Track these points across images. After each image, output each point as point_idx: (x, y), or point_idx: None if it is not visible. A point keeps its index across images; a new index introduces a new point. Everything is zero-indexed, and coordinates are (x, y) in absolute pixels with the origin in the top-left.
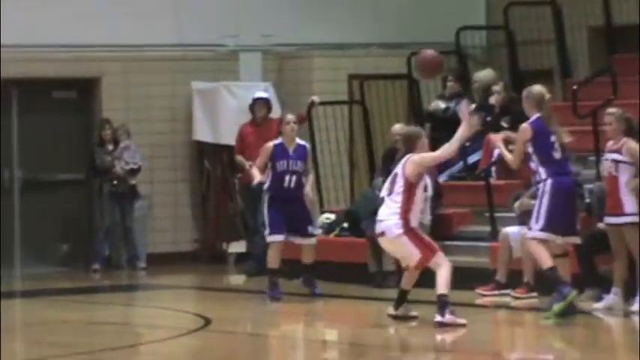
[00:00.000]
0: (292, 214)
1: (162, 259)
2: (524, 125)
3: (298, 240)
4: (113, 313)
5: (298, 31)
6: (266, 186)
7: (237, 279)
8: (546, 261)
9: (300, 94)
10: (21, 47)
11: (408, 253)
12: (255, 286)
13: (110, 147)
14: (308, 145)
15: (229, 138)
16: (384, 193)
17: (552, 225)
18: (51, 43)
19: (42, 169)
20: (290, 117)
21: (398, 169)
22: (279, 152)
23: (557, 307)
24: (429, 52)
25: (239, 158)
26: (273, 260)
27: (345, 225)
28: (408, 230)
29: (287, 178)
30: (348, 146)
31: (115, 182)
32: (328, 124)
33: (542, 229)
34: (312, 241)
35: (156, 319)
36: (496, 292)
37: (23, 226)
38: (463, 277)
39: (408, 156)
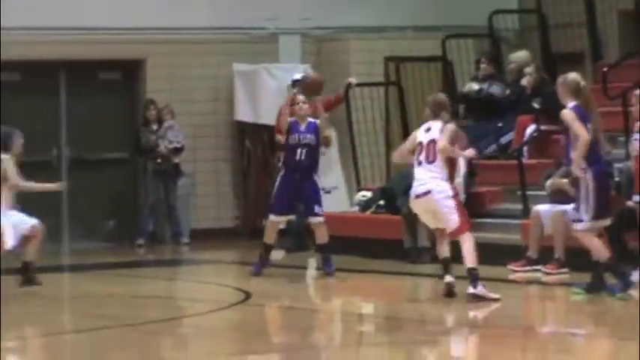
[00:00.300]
0: (301, 193)
1: (205, 234)
2: (566, 110)
3: (308, 219)
4: (157, 286)
5: (336, 15)
6: (281, 162)
7: (276, 254)
8: (604, 252)
9: (338, 75)
10: (68, 30)
11: (448, 217)
12: (294, 261)
13: (154, 127)
14: (318, 121)
15: (269, 118)
16: (420, 157)
17: (599, 213)
18: (97, 26)
19: (88, 148)
20: (300, 97)
21: (432, 135)
22: (292, 128)
23: (619, 295)
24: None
25: (278, 137)
26: (268, 236)
27: (381, 202)
28: (455, 195)
29: (298, 151)
30: (384, 126)
31: (159, 161)
32: (365, 104)
33: (592, 219)
34: (318, 220)
35: (198, 293)
36: (527, 268)
37: (71, 203)
38: (495, 254)
39: (441, 128)
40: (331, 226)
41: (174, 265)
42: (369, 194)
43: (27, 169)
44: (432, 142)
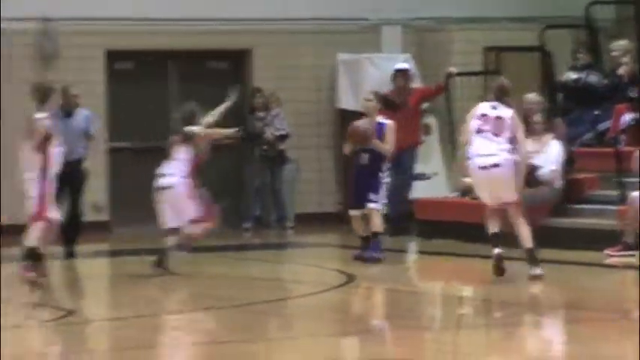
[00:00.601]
0: (364, 182)
1: (308, 219)
2: None
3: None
4: (263, 269)
5: (436, 6)
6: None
7: None
8: None
9: (438, 65)
10: (178, 20)
11: (511, 189)
12: (393, 245)
13: (261, 114)
14: (388, 122)
15: None
16: (485, 127)
17: None
18: (205, 17)
19: None
20: (368, 96)
21: (499, 113)
22: None
23: None
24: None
25: None
26: (356, 230)
27: None
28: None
29: (362, 155)
30: None
31: (265, 147)
32: (464, 93)
33: None
34: (371, 207)
35: (302, 275)
36: (624, 252)
37: None
38: (592, 239)
39: (512, 113)
40: (432, 211)
41: (279, 248)
42: (469, 180)
43: (139, 154)
44: (499, 118)
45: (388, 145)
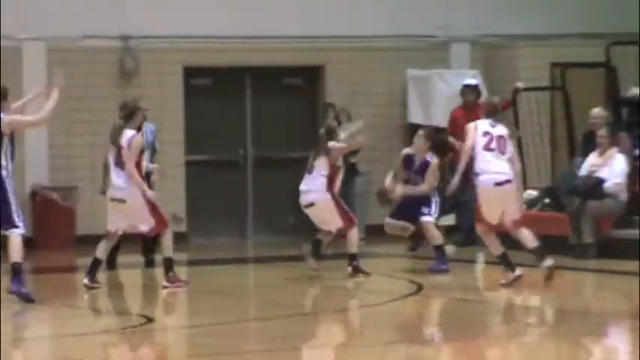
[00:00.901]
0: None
1: (379, 230)
2: None
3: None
4: (336, 277)
5: (503, 23)
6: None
7: (448, 249)
8: None
9: (506, 81)
10: (254, 38)
11: (517, 208)
12: (463, 255)
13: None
14: (433, 159)
15: (441, 120)
16: (492, 145)
17: None
18: (280, 35)
19: (272, 148)
20: (420, 132)
21: (499, 132)
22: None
23: None
24: None
25: (450, 139)
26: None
27: (547, 200)
28: None
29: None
30: (549, 128)
31: None
32: (531, 108)
33: None
34: (424, 220)
35: (374, 284)
36: None
37: (255, 199)
38: None
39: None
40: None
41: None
42: (535, 193)
43: (215, 167)
44: (501, 136)
45: (425, 186)
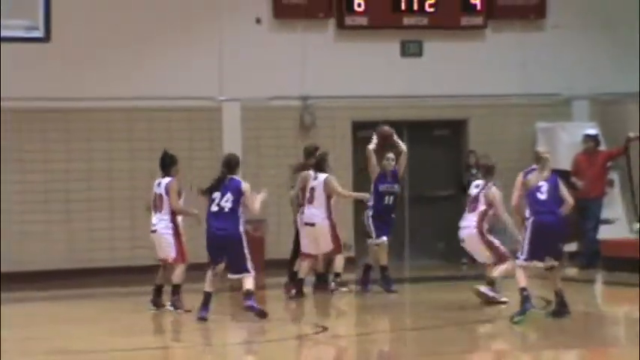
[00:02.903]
0: None
1: None
2: None
3: None
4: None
5: (617, 83)
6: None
7: (571, 271)
8: None
9: (619, 131)
10: (409, 97)
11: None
12: (585, 276)
13: (474, 171)
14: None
15: (566, 164)
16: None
17: None
18: (432, 94)
19: (425, 187)
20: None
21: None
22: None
23: None
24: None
25: (573, 179)
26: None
27: None
28: None
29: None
30: None
31: None
32: None
33: None
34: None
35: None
36: None
37: (411, 229)
38: None
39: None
40: (615, 249)
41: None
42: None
43: None
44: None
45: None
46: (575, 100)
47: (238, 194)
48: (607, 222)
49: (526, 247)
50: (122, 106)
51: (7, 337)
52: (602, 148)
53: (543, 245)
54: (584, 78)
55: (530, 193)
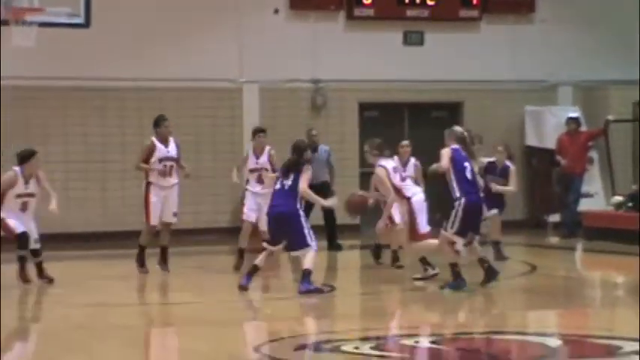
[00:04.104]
0: None
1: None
2: None
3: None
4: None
5: (598, 71)
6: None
7: (554, 240)
8: None
9: (599, 115)
10: (411, 81)
11: None
12: (566, 244)
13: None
14: (512, 167)
15: (550, 143)
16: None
17: None
18: (430, 79)
19: (424, 164)
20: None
21: None
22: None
23: None
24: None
25: (558, 157)
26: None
27: (630, 204)
28: None
29: None
30: (632, 150)
31: None
32: (619, 136)
33: None
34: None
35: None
36: None
37: None
38: None
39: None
40: (594, 219)
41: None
42: (620, 198)
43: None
44: None
45: (511, 187)
46: (561, 86)
47: (298, 174)
48: (587, 195)
49: (457, 223)
50: (153, 86)
51: (50, 292)
52: (584, 129)
53: (472, 223)
54: (569, 66)
55: (460, 172)
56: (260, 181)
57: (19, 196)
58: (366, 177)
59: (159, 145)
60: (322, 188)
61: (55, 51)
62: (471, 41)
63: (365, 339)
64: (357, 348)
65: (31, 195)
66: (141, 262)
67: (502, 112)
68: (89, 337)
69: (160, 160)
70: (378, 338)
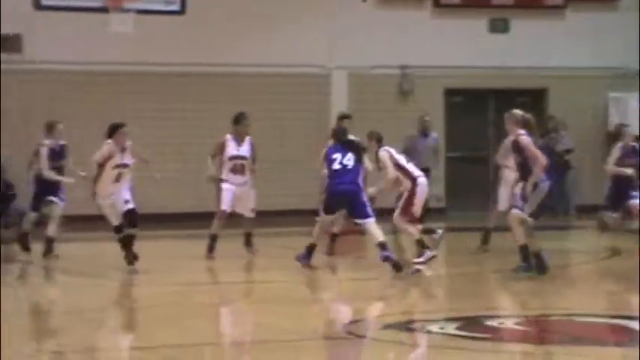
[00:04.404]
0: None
1: (585, 209)
2: None
3: None
4: (552, 244)
5: None
6: None
7: (635, 224)
8: None
9: None
10: (495, 68)
11: None
12: None
13: (553, 135)
14: None
15: (634, 130)
16: None
17: None
18: (516, 66)
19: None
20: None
21: None
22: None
23: None
24: None
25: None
26: None
27: None
28: None
29: None
30: None
31: (556, 158)
32: None
33: None
34: None
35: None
36: None
37: (496, 185)
38: None
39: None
40: None
41: (563, 230)
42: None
43: (467, 161)
44: None
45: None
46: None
47: (359, 154)
48: None
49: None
50: (245, 72)
51: (145, 271)
52: None
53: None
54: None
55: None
56: (237, 171)
57: (116, 166)
58: (452, 160)
59: (231, 143)
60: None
61: (151, 37)
62: (555, 28)
63: (450, 319)
64: (442, 328)
65: (125, 166)
66: (210, 249)
67: (585, 99)
68: (180, 313)
69: (231, 158)
70: (462, 319)
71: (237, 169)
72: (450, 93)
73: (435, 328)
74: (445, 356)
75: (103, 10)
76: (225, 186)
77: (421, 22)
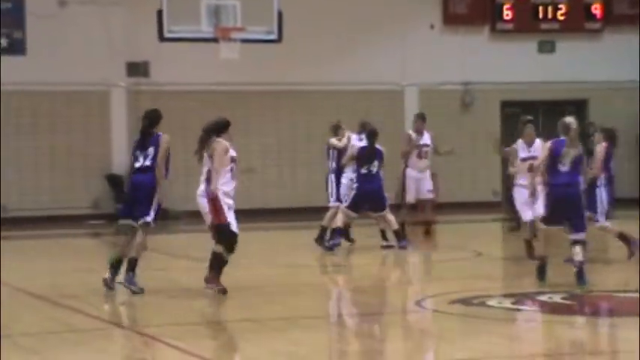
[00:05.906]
0: None
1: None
2: None
3: None
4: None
5: None
6: None
7: None
8: None
9: None
10: (544, 83)
11: None
12: None
13: (592, 138)
14: None
15: None
16: None
17: None
18: (560, 80)
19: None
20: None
21: None
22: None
23: None
24: None
25: None
26: None
27: None
28: None
29: None
30: None
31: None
32: None
33: None
34: None
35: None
36: None
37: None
38: None
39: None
40: None
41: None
42: None
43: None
44: None
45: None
46: None
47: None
48: None
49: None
50: (332, 89)
51: (251, 255)
52: None
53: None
54: None
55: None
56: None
57: (232, 159)
58: (505, 164)
59: (413, 135)
60: None
61: (254, 61)
62: (594, 49)
63: (506, 295)
64: (500, 303)
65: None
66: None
67: (622, 108)
68: (283, 291)
69: (417, 146)
70: (517, 295)
71: (422, 155)
72: (505, 105)
73: (494, 302)
74: (503, 327)
75: (214, 40)
76: (409, 178)
77: (480, 44)
